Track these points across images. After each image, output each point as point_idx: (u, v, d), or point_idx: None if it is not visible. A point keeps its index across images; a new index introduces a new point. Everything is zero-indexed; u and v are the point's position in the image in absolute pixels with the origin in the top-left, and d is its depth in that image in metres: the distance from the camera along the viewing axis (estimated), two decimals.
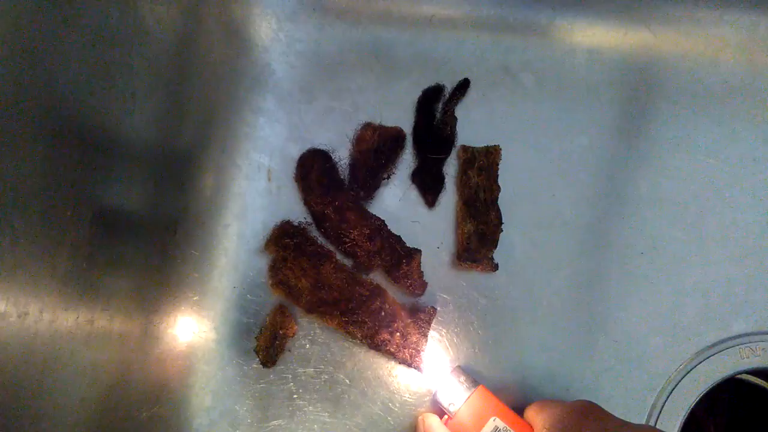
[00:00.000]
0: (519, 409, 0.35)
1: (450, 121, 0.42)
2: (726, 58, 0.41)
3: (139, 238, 0.33)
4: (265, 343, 0.38)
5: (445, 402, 0.36)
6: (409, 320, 0.38)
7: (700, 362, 0.39)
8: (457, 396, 0.36)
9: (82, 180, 0.26)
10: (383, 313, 0.38)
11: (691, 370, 0.39)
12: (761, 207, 0.40)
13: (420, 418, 0.37)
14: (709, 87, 0.41)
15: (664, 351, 0.39)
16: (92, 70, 0.26)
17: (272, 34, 0.43)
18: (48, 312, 0.25)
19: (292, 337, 0.39)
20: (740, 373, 0.39)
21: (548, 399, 0.35)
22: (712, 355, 0.39)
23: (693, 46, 0.42)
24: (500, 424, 0.34)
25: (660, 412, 0.38)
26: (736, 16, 0.41)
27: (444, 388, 0.36)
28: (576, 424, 0.29)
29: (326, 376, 0.38)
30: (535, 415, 0.33)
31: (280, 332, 0.38)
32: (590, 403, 0.31)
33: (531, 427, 0.34)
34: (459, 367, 0.38)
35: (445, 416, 0.36)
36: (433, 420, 0.36)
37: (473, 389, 0.36)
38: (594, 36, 0.42)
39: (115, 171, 0.29)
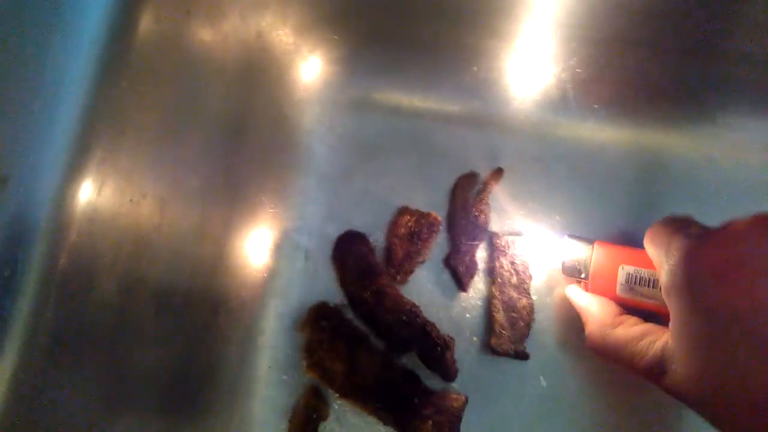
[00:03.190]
0: None
1: (484, 208, 0.43)
2: (749, 159, 0.43)
3: (190, 320, 0.34)
4: (298, 426, 0.38)
5: (574, 274, 0.38)
6: (441, 407, 0.38)
7: None
8: (581, 263, 0.38)
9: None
10: (415, 400, 0.38)
11: None
12: None
13: (567, 293, 0.39)
14: (733, 185, 0.43)
15: None
16: (165, 176, 0.28)
17: (316, 118, 0.45)
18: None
19: (325, 420, 0.39)
20: None
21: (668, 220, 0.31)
22: None
23: (717, 147, 0.43)
24: (630, 269, 0.36)
25: None
26: (758, 122, 0.43)
27: (566, 263, 0.39)
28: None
29: None
30: (648, 249, 0.32)
31: (314, 415, 0.38)
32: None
33: None
34: (567, 236, 0.39)
35: (582, 284, 0.38)
36: (577, 293, 0.38)
37: (591, 250, 0.38)
38: (623, 134, 0.44)
39: (176, 262, 0.30)
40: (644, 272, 0.35)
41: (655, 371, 0.29)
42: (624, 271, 0.36)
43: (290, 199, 0.44)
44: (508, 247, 0.42)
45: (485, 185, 0.43)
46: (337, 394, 0.39)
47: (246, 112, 0.39)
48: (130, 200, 0.27)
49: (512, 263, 0.42)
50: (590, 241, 0.38)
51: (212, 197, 0.35)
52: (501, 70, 0.44)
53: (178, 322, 0.33)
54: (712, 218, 0.42)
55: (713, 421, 0.26)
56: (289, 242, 0.43)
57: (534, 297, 0.41)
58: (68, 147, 0.25)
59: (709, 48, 0.42)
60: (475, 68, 0.44)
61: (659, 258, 0.30)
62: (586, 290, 0.38)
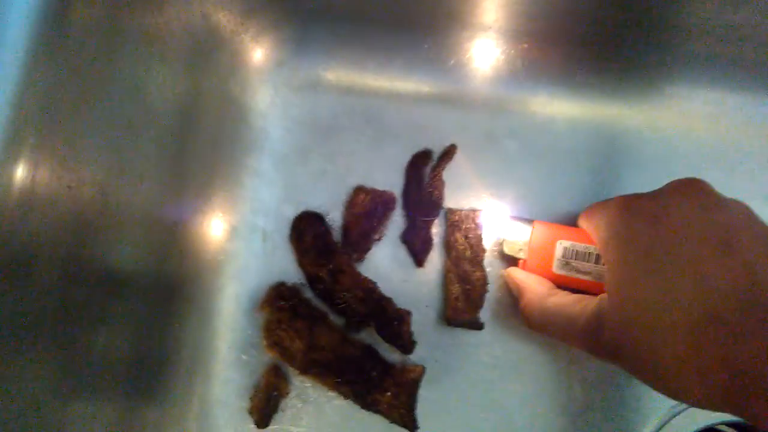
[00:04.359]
0: None
1: (438, 184, 0.44)
2: (697, 129, 0.44)
3: (144, 304, 0.34)
4: (259, 404, 0.39)
5: (513, 252, 0.40)
6: (399, 379, 0.40)
7: (676, 415, 0.41)
8: (521, 243, 0.40)
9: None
10: (374, 373, 0.39)
11: (666, 423, 0.41)
12: None
13: (504, 274, 0.41)
14: (681, 156, 0.44)
15: (639, 403, 0.41)
16: (107, 162, 0.28)
17: (269, 100, 0.45)
18: None
19: (286, 397, 0.40)
20: (715, 425, 0.41)
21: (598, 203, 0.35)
22: (687, 408, 0.41)
23: (665, 118, 0.45)
24: (566, 243, 0.38)
25: None
26: (705, 92, 0.44)
27: (506, 244, 0.40)
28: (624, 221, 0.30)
29: None
30: (586, 223, 0.35)
31: (275, 393, 0.39)
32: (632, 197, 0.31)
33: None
34: (509, 217, 0.41)
35: (520, 263, 0.40)
36: (515, 271, 0.40)
37: (530, 229, 0.39)
38: (573, 107, 0.45)
39: (124, 247, 0.30)
40: (580, 246, 0.37)
41: (592, 329, 0.30)
42: (561, 246, 0.38)
43: (246, 181, 0.44)
44: (462, 221, 0.43)
45: (439, 162, 0.44)
46: (298, 371, 0.40)
47: (195, 96, 0.39)
48: (68, 186, 0.27)
49: (466, 237, 0.42)
50: (530, 221, 0.40)
51: (161, 182, 0.35)
52: (452, 47, 0.45)
53: (130, 306, 0.33)
54: None
55: (648, 371, 0.28)
56: (245, 224, 0.43)
57: (487, 269, 0.42)
58: None
59: (655, 19, 0.43)
60: (426, 46, 0.45)
61: (596, 222, 0.33)
62: (524, 269, 0.39)
